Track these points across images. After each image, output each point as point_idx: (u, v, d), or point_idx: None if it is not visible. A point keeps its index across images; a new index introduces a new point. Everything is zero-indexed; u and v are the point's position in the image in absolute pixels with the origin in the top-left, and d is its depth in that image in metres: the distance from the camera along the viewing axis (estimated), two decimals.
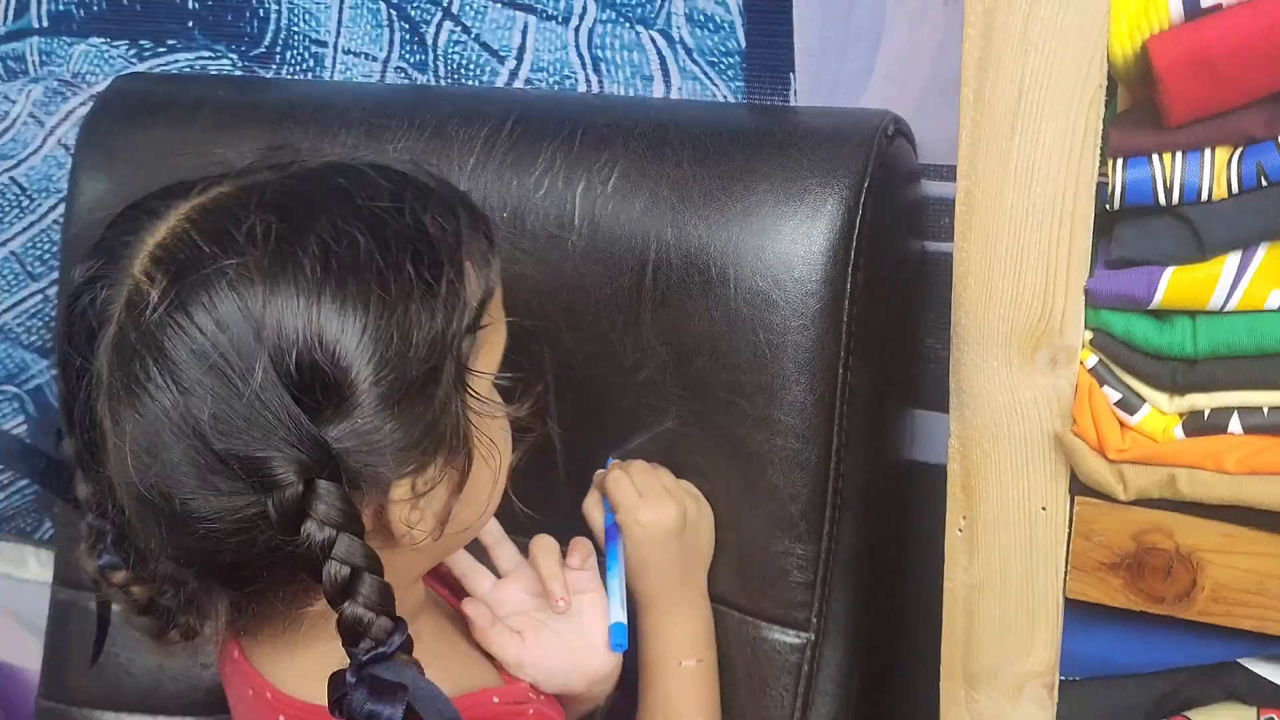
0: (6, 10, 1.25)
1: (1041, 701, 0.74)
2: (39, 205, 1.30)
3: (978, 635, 0.74)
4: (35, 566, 1.52)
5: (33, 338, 1.38)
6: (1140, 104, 0.62)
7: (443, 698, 0.67)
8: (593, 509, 0.88)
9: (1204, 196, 0.61)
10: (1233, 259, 0.62)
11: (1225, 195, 0.61)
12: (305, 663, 0.75)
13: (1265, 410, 0.64)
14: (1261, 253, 0.61)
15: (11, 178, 1.30)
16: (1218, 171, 0.60)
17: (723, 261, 0.88)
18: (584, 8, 1.05)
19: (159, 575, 0.73)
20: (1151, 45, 0.58)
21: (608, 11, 1.04)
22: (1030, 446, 0.69)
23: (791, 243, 0.87)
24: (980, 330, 0.67)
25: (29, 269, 1.34)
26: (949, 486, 0.71)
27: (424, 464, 0.70)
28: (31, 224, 1.31)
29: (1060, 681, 0.76)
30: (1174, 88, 0.58)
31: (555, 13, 1.05)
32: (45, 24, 1.22)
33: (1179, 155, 0.61)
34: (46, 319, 1.38)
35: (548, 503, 0.92)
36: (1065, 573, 0.72)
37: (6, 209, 1.32)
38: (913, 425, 1.06)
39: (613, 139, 0.93)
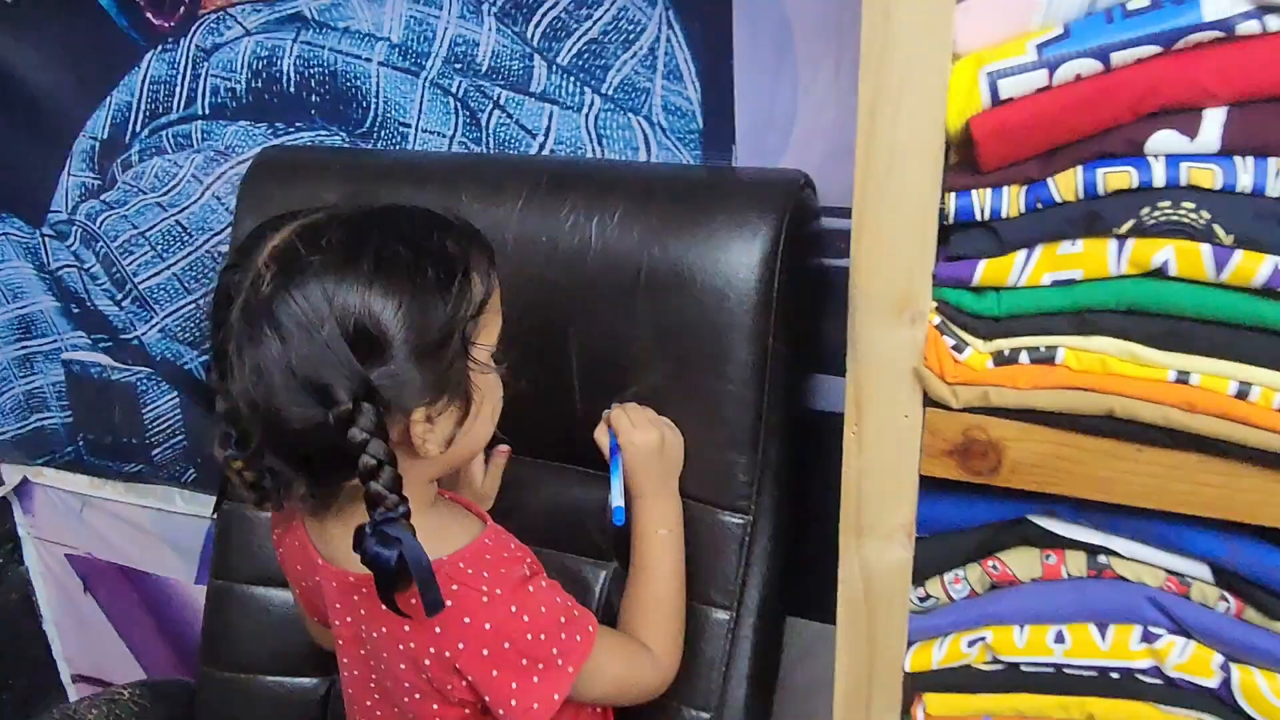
0: (180, 101, 1.23)
1: (905, 545, 0.77)
2: (196, 239, 1.30)
3: (864, 501, 0.76)
4: (180, 503, 1.51)
5: (187, 335, 1.38)
6: (965, 159, 0.66)
7: (423, 552, 0.72)
8: (601, 435, 0.92)
9: (1004, 215, 0.65)
10: (1021, 254, 0.66)
11: (1016, 214, 0.65)
12: (341, 538, 0.78)
13: (1042, 348, 0.67)
14: (1039, 250, 0.65)
15: (177, 220, 1.30)
16: (1011, 200, 0.64)
17: (692, 269, 0.91)
18: (591, 101, 1.05)
19: (262, 466, 0.77)
20: (972, 122, 0.62)
21: (608, 104, 1.05)
22: (897, 375, 0.72)
23: (738, 256, 0.90)
24: (868, 301, 0.70)
25: (186, 285, 1.33)
26: (846, 403, 0.73)
27: (435, 400, 0.75)
28: (190, 253, 1.31)
29: (916, 538, 0.77)
30: (985, 148, 0.63)
31: (572, 104, 1.06)
32: (207, 111, 1.23)
33: (989, 190, 0.65)
34: (198, 320, 1.36)
35: (569, 431, 0.96)
36: (920, 458, 0.74)
37: (172, 242, 1.31)
38: (815, 384, 1.07)
39: (616, 188, 0.96)
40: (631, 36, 1.00)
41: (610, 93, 1.03)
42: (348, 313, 0.71)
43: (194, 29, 1.17)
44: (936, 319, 0.69)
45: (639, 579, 0.90)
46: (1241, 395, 0.61)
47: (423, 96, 1.11)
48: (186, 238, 1.29)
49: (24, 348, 1.46)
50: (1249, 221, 0.59)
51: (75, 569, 1.65)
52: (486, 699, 0.77)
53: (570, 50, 1.02)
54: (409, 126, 1.12)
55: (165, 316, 1.36)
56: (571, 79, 1.04)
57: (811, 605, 1.11)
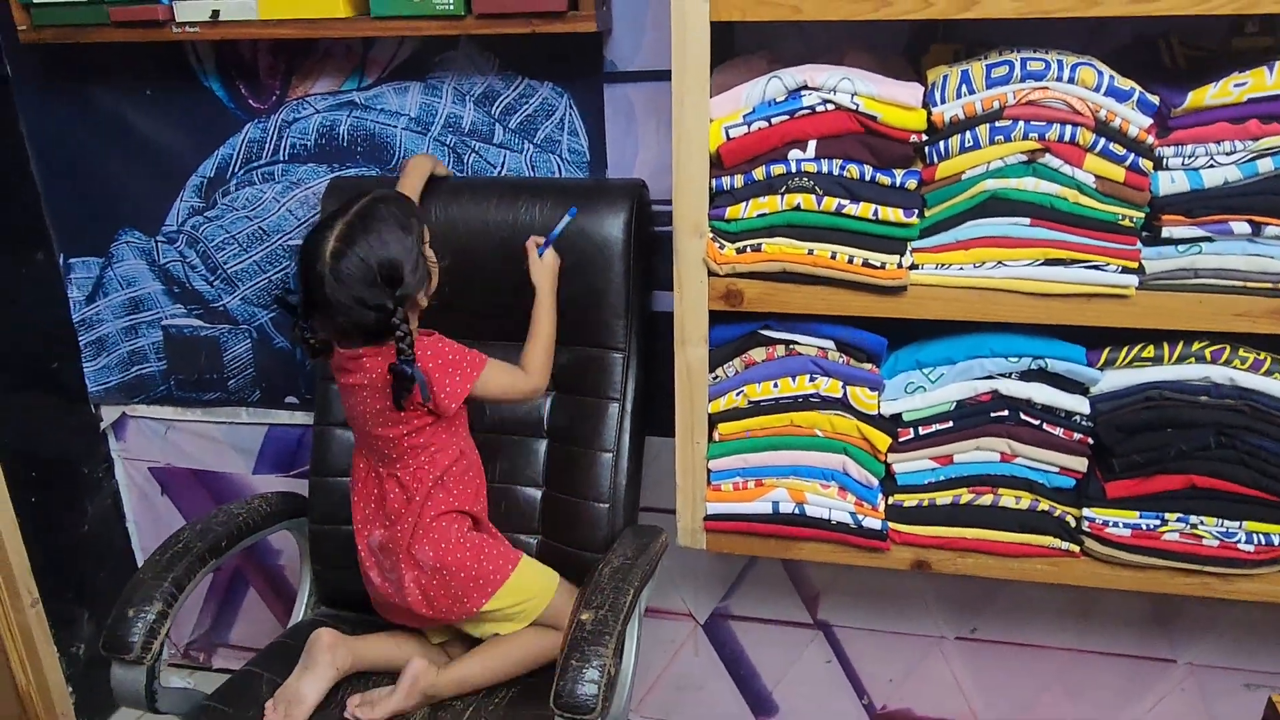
0: (268, 152, 1.57)
1: (704, 347, 1.20)
2: (272, 238, 1.63)
3: (684, 326, 1.20)
4: (245, 416, 1.80)
5: (260, 300, 1.69)
6: (717, 164, 1.14)
7: (421, 374, 1.14)
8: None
9: (735, 188, 1.15)
10: (744, 204, 1.15)
11: (741, 187, 1.15)
12: (371, 362, 1.17)
13: (755, 244, 1.15)
14: (750, 202, 1.15)
15: (259, 227, 1.63)
16: (738, 180, 1.15)
17: (590, 229, 1.30)
18: (528, 148, 1.45)
19: (321, 339, 1.19)
20: (720, 149, 1.13)
21: (537, 149, 1.44)
22: (695, 262, 1.16)
23: (613, 224, 1.31)
24: (682, 228, 1.15)
25: (261, 268, 1.66)
26: (674, 284, 1.18)
27: (421, 286, 1.17)
28: (266, 246, 1.64)
29: (710, 348, 1.23)
30: (725, 159, 1.14)
31: (517, 149, 1.45)
32: (286, 158, 1.57)
33: (728, 176, 1.15)
34: (269, 290, 1.68)
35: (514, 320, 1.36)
36: (708, 301, 1.18)
37: (254, 241, 1.64)
38: (653, 295, 1.44)
39: (546, 190, 1.34)
40: (550, 113, 1.42)
41: (539, 142, 1.44)
42: (382, 267, 1.13)
43: (281, 108, 1.53)
44: (711, 234, 1.19)
45: (531, 335, 1.28)
46: (834, 257, 1.18)
47: (428, 146, 1.47)
48: (265, 237, 1.62)
49: (131, 319, 1.76)
50: (831, 186, 1.16)
51: (156, 478, 1.92)
52: (433, 389, 1.18)
53: (516, 120, 1.44)
54: None
55: (245, 289, 1.67)
56: (517, 135, 1.44)
57: (656, 426, 1.48)
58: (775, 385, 1.29)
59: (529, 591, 1.30)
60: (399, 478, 1.26)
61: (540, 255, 1.29)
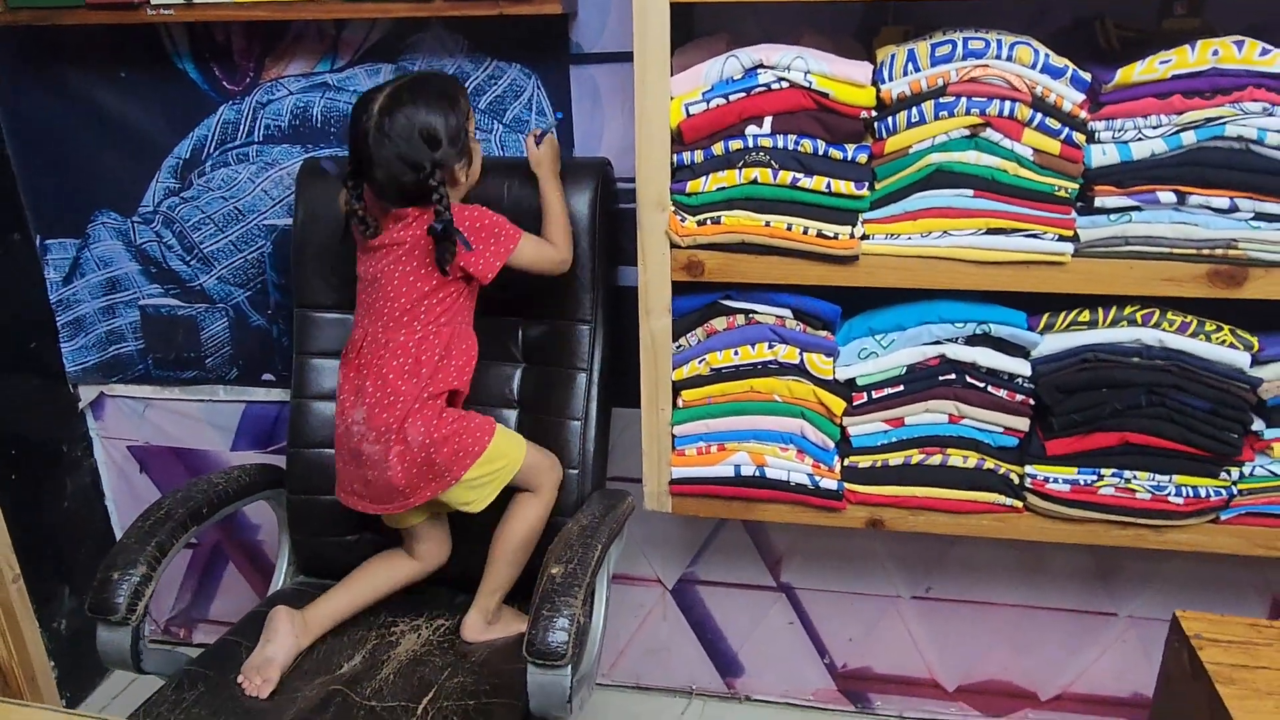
0: (242, 133, 1.59)
1: (667, 317, 1.25)
2: (248, 218, 1.64)
3: (649, 296, 1.24)
4: (223, 394, 1.80)
5: (236, 280, 1.68)
6: (677, 140, 1.18)
7: (464, 238, 1.20)
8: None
9: (695, 163, 1.19)
10: (704, 178, 1.19)
11: (700, 162, 1.19)
12: (404, 229, 1.23)
13: (715, 217, 1.20)
14: (710, 176, 1.19)
15: (235, 207, 1.64)
16: (698, 156, 1.19)
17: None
18: (497, 127, 1.47)
19: (368, 210, 1.22)
20: (680, 124, 1.17)
21: (508, 129, 1.47)
22: (659, 235, 1.20)
23: (579, 200, 1.34)
24: (646, 203, 1.20)
25: (238, 247, 1.66)
26: (639, 256, 1.22)
27: (460, 159, 1.22)
28: (242, 226, 1.64)
29: (673, 318, 1.27)
30: (685, 135, 1.18)
31: (487, 129, 1.47)
32: (260, 139, 1.58)
33: (689, 152, 1.19)
34: (248, 270, 1.68)
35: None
36: (670, 271, 1.22)
37: (230, 220, 1.64)
38: (618, 269, 1.46)
39: (514, 170, 1.35)
40: (518, 94, 1.45)
41: (508, 123, 1.47)
42: (423, 128, 1.18)
43: (255, 90, 1.55)
44: (673, 208, 1.23)
45: (547, 217, 1.31)
46: (789, 228, 1.23)
47: None
48: (241, 217, 1.63)
49: (108, 299, 1.76)
50: (786, 160, 1.21)
51: (134, 456, 1.92)
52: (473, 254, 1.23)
53: (485, 101, 1.46)
54: None
55: (222, 269, 1.67)
56: (486, 116, 1.47)
57: (622, 399, 1.50)
58: (736, 353, 1.33)
59: (503, 458, 1.30)
60: (407, 344, 1.26)
61: (538, 147, 1.33)
